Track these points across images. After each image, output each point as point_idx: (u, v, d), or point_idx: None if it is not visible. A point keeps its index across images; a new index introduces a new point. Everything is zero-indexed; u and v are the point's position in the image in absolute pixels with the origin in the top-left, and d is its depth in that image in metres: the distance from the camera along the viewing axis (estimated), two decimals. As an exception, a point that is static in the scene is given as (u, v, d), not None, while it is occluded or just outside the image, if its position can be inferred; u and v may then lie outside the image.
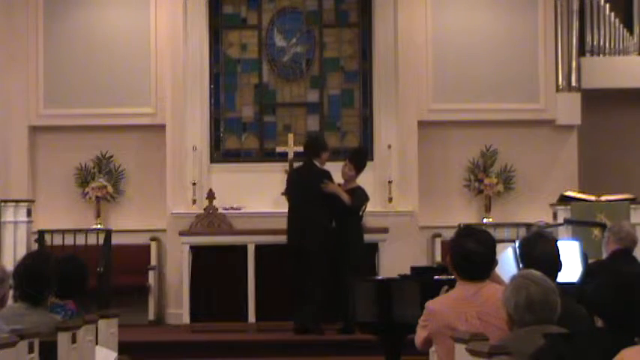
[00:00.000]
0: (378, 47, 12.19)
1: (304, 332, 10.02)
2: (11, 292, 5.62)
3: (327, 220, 10.21)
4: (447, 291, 5.13)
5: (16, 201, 11.14)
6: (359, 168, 10.49)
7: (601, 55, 12.41)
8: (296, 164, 11.15)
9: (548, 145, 12.36)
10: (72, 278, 6.07)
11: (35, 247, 11.11)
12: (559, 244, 5.57)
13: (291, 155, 11.86)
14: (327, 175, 10.34)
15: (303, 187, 10.29)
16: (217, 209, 11.56)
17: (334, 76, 12.50)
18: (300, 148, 11.91)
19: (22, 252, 10.47)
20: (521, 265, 5.75)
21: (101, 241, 11.32)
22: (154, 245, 11.99)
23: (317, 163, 10.37)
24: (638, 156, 12.76)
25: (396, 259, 10.48)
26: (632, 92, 12.51)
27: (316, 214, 10.15)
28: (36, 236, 11.30)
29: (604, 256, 7.12)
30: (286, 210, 10.62)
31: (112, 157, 12.26)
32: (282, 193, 11.04)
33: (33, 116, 12.16)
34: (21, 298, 5.62)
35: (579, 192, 11.29)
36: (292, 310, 10.20)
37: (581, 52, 12.32)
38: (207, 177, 12.04)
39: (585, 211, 10.60)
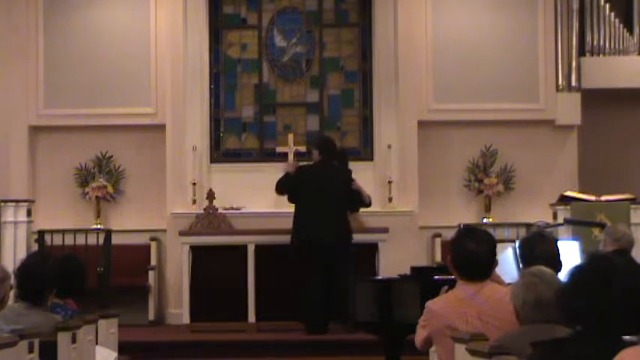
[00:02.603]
0: (378, 47, 12.19)
1: (320, 332, 9.99)
2: (12, 292, 5.63)
3: (348, 217, 10.26)
4: (447, 291, 5.13)
5: (16, 201, 11.14)
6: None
7: (601, 55, 12.40)
8: (305, 163, 10.85)
9: (548, 145, 12.36)
10: (71, 277, 6.07)
11: (35, 247, 11.11)
12: (559, 244, 5.58)
13: (291, 155, 11.86)
14: (351, 173, 10.42)
15: (329, 183, 10.13)
16: (217, 209, 11.55)
17: (334, 76, 12.50)
18: (301, 148, 11.96)
19: (22, 252, 10.50)
20: (521, 265, 5.76)
21: (101, 241, 11.33)
22: (154, 245, 11.98)
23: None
24: (638, 156, 12.76)
25: (396, 259, 10.48)
26: (632, 92, 12.50)
27: (342, 211, 10.16)
28: (36, 236, 11.30)
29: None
30: (286, 210, 10.60)
31: (112, 157, 12.26)
32: (286, 191, 10.48)
33: (33, 116, 12.15)
34: (21, 298, 5.63)
35: (579, 192, 11.29)
36: (302, 310, 10.15)
37: (581, 52, 12.32)
38: (207, 177, 12.04)
39: (585, 211, 10.60)
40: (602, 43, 12.38)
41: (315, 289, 10.00)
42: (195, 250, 10.79)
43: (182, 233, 11.05)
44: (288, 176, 10.38)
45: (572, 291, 3.42)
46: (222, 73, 12.43)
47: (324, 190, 10.10)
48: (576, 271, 3.47)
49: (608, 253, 6.79)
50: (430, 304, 4.92)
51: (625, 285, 3.35)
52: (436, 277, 7.19)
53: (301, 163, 10.70)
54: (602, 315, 3.35)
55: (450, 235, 5.90)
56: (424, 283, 7.14)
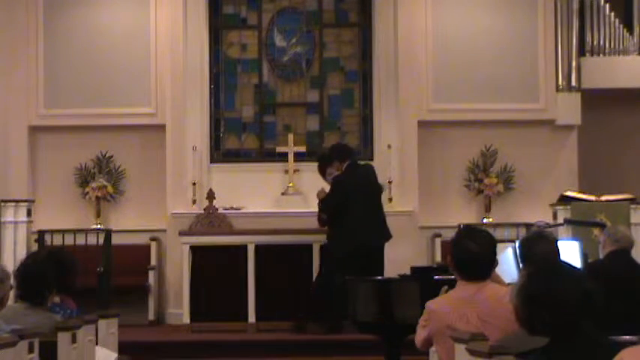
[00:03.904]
0: (378, 47, 12.19)
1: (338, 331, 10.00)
2: (12, 292, 5.62)
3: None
4: (447, 291, 5.13)
5: (16, 201, 11.14)
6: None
7: (601, 55, 12.40)
8: (342, 168, 10.36)
9: (548, 145, 12.36)
10: (66, 273, 6.04)
11: (35, 247, 11.11)
12: (559, 244, 5.58)
13: (291, 155, 11.88)
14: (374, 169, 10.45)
15: (368, 185, 10.11)
16: (217, 209, 11.55)
17: (334, 76, 12.50)
18: (301, 148, 11.98)
19: (22, 252, 10.50)
20: (521, 265, 5.76)
21: (101, 241, 11.32)
22: (154, 245, 11.99)
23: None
24: (638, 156, 12.76)
25: (396, 259, 10.47)
26: (632, 92, 12.50)
27: (382, 208, 10.18)
28: (36, 236, 11.30)
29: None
30: (286, 210, 10.57)
31: (112, 157, 12.26)
32: (333, 208, 10.11)
33: (33, 116, 12.15)
34: (21, 298, 5.62)
35: (579, 192, 11.29)
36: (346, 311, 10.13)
37: (581, 52, 12.32)
38: (207, 177, 12.04)
39: (585, 211, 10.60)
40: (602, 43, 12.38)
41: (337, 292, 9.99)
42: (195, 250, 10.79)
43: (182, 233, 11.05)
44: (328, 198, 10.17)
45: (528, 309, 3.41)
46: (222, 73, 12.43)
47: (366, 193, 10.04)
48: (523, 289, 3.45)
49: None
50: (430, 304, 4.92)
51: (574, 288, 3.36)
52: (436, 277, 7.19)
53: (335, 174, 10.23)
54: (566, 321, 3.34)
55: (450, 235, 5.89)
56: (424, 283, 7.14)
